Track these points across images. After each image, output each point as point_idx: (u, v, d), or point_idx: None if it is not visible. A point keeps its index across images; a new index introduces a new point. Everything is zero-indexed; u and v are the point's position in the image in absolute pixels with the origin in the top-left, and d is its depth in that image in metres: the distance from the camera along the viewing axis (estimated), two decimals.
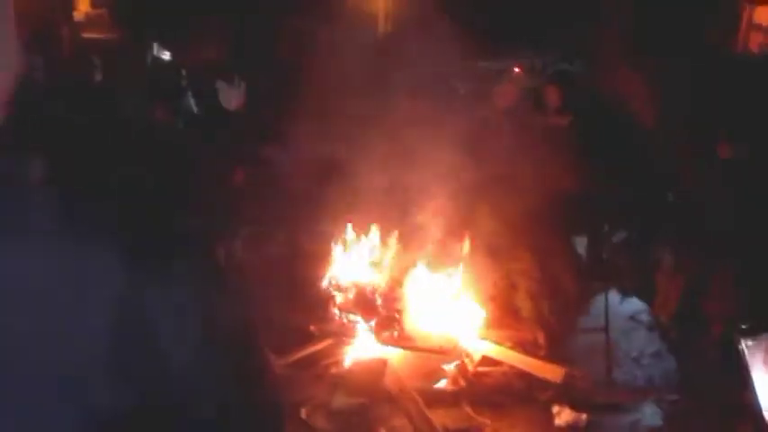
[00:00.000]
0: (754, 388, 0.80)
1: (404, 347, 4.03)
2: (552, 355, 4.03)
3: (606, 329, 3.96)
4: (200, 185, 3.75)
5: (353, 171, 4.05)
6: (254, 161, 4.74)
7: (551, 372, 3.79)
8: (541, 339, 4.12)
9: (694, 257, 4.00)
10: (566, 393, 3.69)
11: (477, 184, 4.10)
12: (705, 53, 4.20)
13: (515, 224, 4.21)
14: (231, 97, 4.86)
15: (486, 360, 3.95)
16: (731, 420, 3.24)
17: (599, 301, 4.26)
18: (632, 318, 4.21)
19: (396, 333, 4.12)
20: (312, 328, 4.13)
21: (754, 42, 5.44)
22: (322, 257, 4.35)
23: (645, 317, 4.15)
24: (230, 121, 4.86)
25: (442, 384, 3.83)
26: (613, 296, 4.28)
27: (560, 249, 4.30)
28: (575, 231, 4.59)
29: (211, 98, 4.90)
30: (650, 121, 4.22)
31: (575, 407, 3.55)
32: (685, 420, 3.39)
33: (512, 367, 3.89)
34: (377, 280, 4.28)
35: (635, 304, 4.25)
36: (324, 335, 4.11)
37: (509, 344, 4.09)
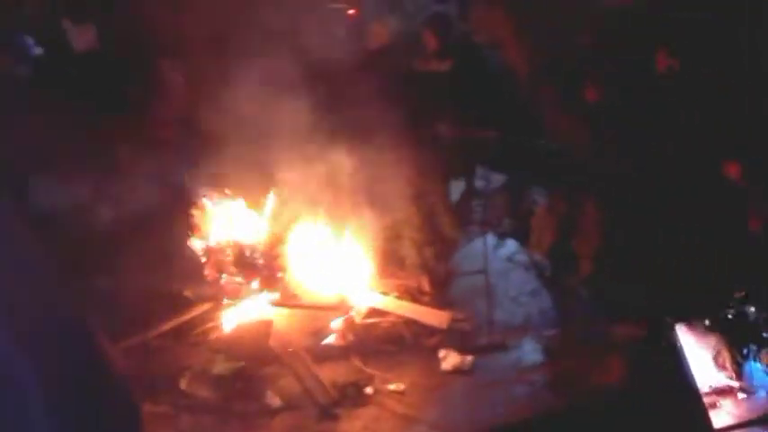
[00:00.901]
0: (688, 365, 0.82)
1: (289, 306, 3.92)
2: (437, 301, 4.10)
3: (485, 272, 4.06)
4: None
5: (217, 125, 3.78)
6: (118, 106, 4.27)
7: (437, 318, 3.85)
8: (426, 286, 4.17)
9: (564, 199, 4.17)
10: (451, 338, 3.77)
11: (353, 132, 3.97)
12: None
13: (394, 172, 4.17)
14: (80, 37, 4.30)
15: (373, 311, 3.94)
16: (602, 352, 3.46)
17: (478, 244, 4.36)
18: (509, 259, 4.35)
19: (280, 292, 4.00)
20: (187, 293, 3.90)
21: None
22: (192, 217, 4.08)
23: (521, 257, 4.30)
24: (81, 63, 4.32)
25: (331, 340, 3.78)
26: (491, 239, 4.39)
27: (439, 196, 4.32)
28: (452, 177, 4.63)
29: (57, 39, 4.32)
30: (522, 66, 4.28)
31: (460, 350, 3.63)
32: (563, 353, 3.57)
33: (399, 316, 3.91)
34: (256, 238, 4.10)
35: (512, 246, 4.38)
36: (201, 299, 3.90)
37: (396, 293, 4.11)
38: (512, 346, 3.70)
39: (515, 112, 4.51)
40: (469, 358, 3.57)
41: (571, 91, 4.08)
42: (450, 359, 3.58)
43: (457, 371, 3.53)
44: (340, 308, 3.90)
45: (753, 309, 2.09)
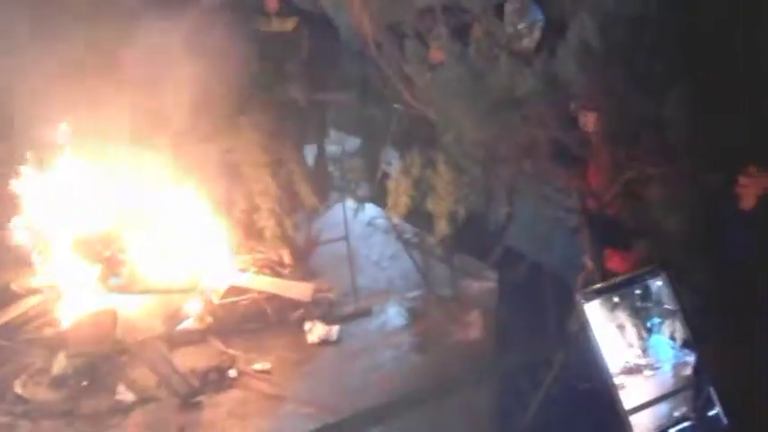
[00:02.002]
0: (595, 340, 0.78)
1: (136, 292, 3.60)
2: (299, 273, 3.98)
3: (347, 239, 4.00)
4: None
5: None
6: None
7: (300, 290, 3.73)
8: (287, 258, 4.03)
9: (419, 160, 4.17)
10: (316, 309, 3.68)
11: (195, 97, 3.66)
12: None
13: (246, 139, 3.95)
14: None
15: (232, 290, 3.73)
16: (462, 310, 3.56)
17: (337, 211, 4.28)
18: (370, 224, 4.32)
19: (125, 277, 3.65)
20: (13, 286, 3.45)
21: None
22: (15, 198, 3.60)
23: (381, 221, 4.29)
24: None
25: (187, 324, 3.53)
26: (350, 205, 4.32)
27: (296, 163, 4.16)
28: (306, 142, 4.48)
29: None
30: (367, 28, 4.17)
31: (326, 321, 3.56)
32: (426, 313, 3.63)
33: (261, 292, 3.74)
34: (92, 220, 3.70)
35: (371, 210, 4.35)
36: (30, 291, 3.47)
37: (255, 268, 3.93)
38: (377, 312, 3.70)
39: (365, 74, 4.42)
40: (336, 328, 3.51)
41: (418, 53, 4.03)
42: (316, 331, 3.50)
43: (324, 342, 3.46)
44: (195, 289, 3.65)
45: (657, 282, 2.09)
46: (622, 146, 2.48)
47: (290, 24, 4.38)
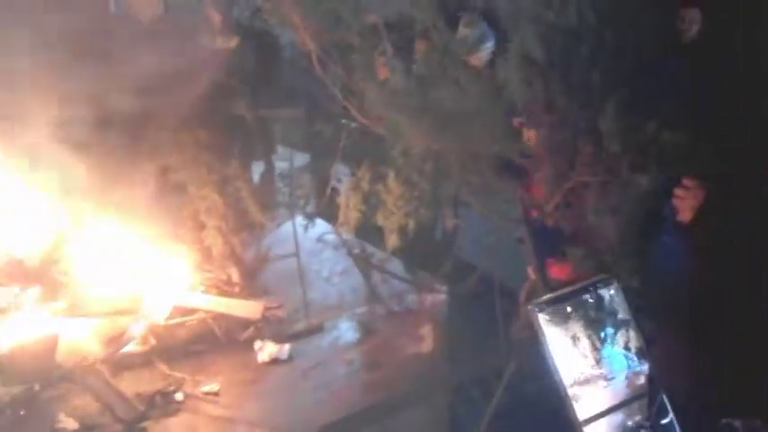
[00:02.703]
0: (548, 351, 0.77)
1: (77, 315, 3.46)
2: (249, 291, 3.91)
3: (297, 255, 3.97)
4: None
5: None
6: None
7: (249, 308, 3.67)
8: (236, 276, 3.96)
9: (368, 175, 4.18)
10: (267, 327, 3.63)
11: (138, 115, 3.59)
12: None
13: (191, 157, 3.87)
14: None
15: (179, 310, 3.64)
16: (413, 323, 3.57)
17: (287, 227, 4.24)
18: (320, 239, 4.30)
19: (66, 300, 3.51)
20: None
21: None
22: None
23: (331, 237, 4.27)
24: None
25: (131, 347, 3.42)
26: (300, 221, 4.30)
27: (243, 179, 4.10)
28: (253, 159, 4.44)
29: None
30: (311, 45, 4.17)
31: (276, 339, 3.51)
32: (377, 328, 3.61)
33: (208, 312, 3.66)
34: (28, 240, 3.56)
35: (321, 226, 4.32)
36: None
37: (203, 287, 3.84)
38: (328, 328, 3.66)
39: (313, 91, 4.42)
40: (287, 346, 3.46)
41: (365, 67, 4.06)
42: (266, 350, 3.44)
43: (275, 361, 3.41)
44: (138, 310, 3.54)
45: (610, 291, 2.10)
46: (563, 157, 2.55)
47: (234, 41, 4.34)
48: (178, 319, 3.60)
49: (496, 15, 3.10)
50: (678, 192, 1.84)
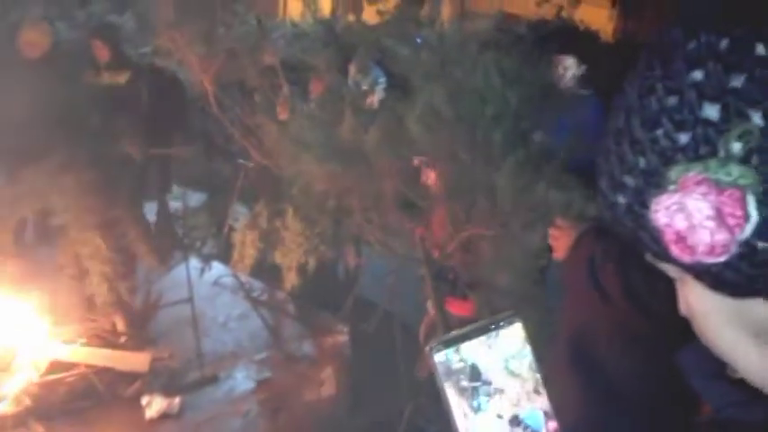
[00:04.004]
0: (444, 393, 0.71)
1: None
2: (136, 341, 3.66)
3: (191, 300, 3.77)
4: None
5: None
6: None
7: (136, 360, 3.43)
8: (121, 326, 3.70)
9: (266, 212, 4.08)
10: (157, 379, 3.40)
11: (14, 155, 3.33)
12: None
13: (72, 200, 3.63)
14: None
15: (57, 365, 3.34)
16: (314, 368, 3.46)
17: (180, 270, 4.04)
18: (216, 283, 4.11)
19: None
20: None
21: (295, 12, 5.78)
22: None
23: (228, 280, 4.10)
24: None
25: (3, 408, 3.10)
26: (195, 263, 4.10)
27: (131, 222, 3.88)
28: (144, 199, 4.23)
29: None
30: (209, 86, 4.08)
31: (166, 392, 3.28)
32: (275, 374, 3.47)
33: (90, 366, 3.38)
34: None
35: (218, 269, 4.15)
36: None
37: (83, 340, 3.56)
38: (223, 377, 3.48)
39: (209, 129, 4.30)
40: (177, 399, 3.25)
41: (264, 105, 4.01)
42: (154, 405, 3.21)
43: (164, 416, 3.18)
44: (10, 367, 3.22)
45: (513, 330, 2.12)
46: (459, 206, 2.58)
47: (123, 77, 4.16)
48: (56, 375, 3.31)
49: (391, 61, 3.14)
50: (552, 231, 1.89)
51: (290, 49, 4.61)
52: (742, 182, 0.45)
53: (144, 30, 4.91)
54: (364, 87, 3.43)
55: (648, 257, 0.55)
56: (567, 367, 1.83)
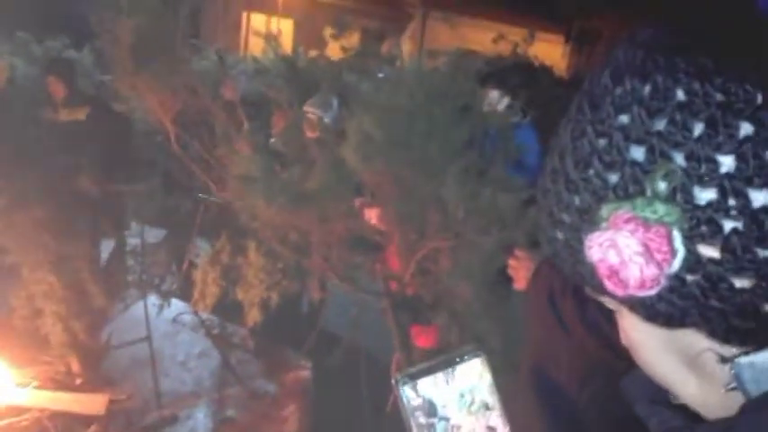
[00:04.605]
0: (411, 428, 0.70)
1: None
2: (92, 383, 3.54)
3: (149, 339, 3.68)
4: None
5: None
6: None
7: (91, 403, 3.31)
8: (75, 367, 3.58)
9: (227, 248, 4.04)
10: (112, 422, 3.28)
11: None
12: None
13: (29, 238, 3.53)
14: None
15: (8, 410, 3.20)
16: (277, 405, 3.39)
17: (138, 308, 3.94)
18: (175, 320, 4.03)
19: None
20: None
21: (257, 48, 5.83)
22: None
23: (188, 317, 4.02)
24: None
25: None
26: (154, 301, 4.02)
27: (86, 259, 3.79)
28: (100, 236, 4.14)
29: None
30: (168, 125, 4.06)
31: None
32: (238, 413, 3.40)
33: (43, 410, 3.25)
34: None
35: (177, 306, 4.07)
36: None
37: (36, 382, 3.42)
38: (183, 417, 3.38)
39: (168, 165, 4.26)
40: None
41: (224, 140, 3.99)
42: None
43: None
44: None
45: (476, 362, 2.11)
46: (412, 227, 2.61)
47: (81, 113, 4.11)
48: (8, 420, 3.17)
49: (353, 96, 3.19)
50: (511, 263, 1.92)
51: (251, 84, 4.64)
52: (667, 219, 0.47)
53: (102, 65, 4.88)
54: (326, 121, 3.46)
55: (588, 291, 0.58)
56: (531, 396, 1.85)
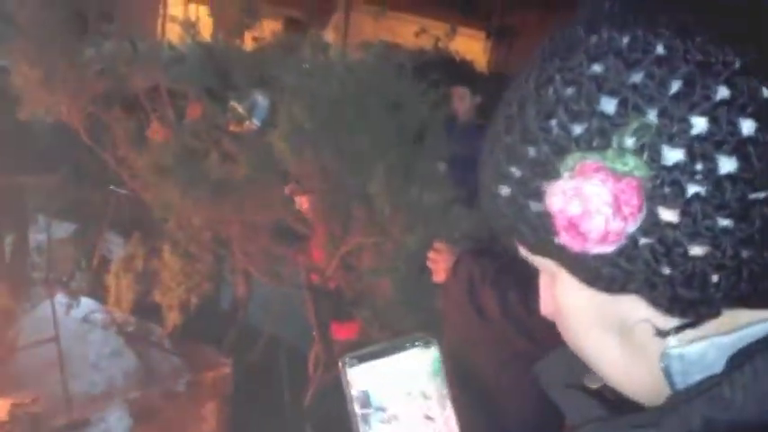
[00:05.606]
0: (354, 413, 0.67)
1: None
2: None
3: (57, 339, 3.49)
4: None
5: None
6: None
7: None
8: None
9: (143, 248, 3.89)
10: (17, 427, 3.09)
11: None
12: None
13: None
14: None
15: None
16: (195, 404, 3.31)
17: (45, 308, 3.73)
18: (85, 319, 3.84)
19: None
20: None
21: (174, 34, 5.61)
22: None
23: (98, 316, 3.84)
24: None
25: None
26: (61, 300, 3.81)
27: None
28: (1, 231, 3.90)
29: None
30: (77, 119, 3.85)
31: None
32: (153, 413, 3.29)
33: None
34: None
35: (88, 304, 3.88)
36: None
37: None
38: (95, 420, 3.23)
39: (80, 157, 4.05)
40: None
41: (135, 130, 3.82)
42: None
43: None
44: None
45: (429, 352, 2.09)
46: (337, 221, 2.59)
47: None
48: None
49: (275, 87, 3.13)
50: (431, 255, 1.95)
51: (166, 72, 4.46)
52: (637, 173, 0.45)
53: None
54: (241, 112, 3.37)
55: (523, 252, 0.55)
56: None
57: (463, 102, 3.36)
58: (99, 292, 3.92)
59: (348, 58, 3.52)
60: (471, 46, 7.60)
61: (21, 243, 4.06)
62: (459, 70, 3.63)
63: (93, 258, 4.05)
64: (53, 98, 3.39)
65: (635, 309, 0.50)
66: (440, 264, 1.90)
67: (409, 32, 6.35)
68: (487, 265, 1.79)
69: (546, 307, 0.58)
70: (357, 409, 0.69)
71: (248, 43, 4.12)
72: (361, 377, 0.69)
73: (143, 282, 3.58)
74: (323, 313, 3.04)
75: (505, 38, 8.37)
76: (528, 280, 1.83)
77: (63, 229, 4.46)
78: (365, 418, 0.69)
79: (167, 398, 3.37)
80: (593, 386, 0.57)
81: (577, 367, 0.58)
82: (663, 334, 0.49)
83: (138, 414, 3.26)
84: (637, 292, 0.48)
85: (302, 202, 2.60)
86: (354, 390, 0.69)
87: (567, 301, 0.54)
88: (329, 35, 8.33)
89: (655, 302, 0.48)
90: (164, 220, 3.25)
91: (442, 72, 3.41)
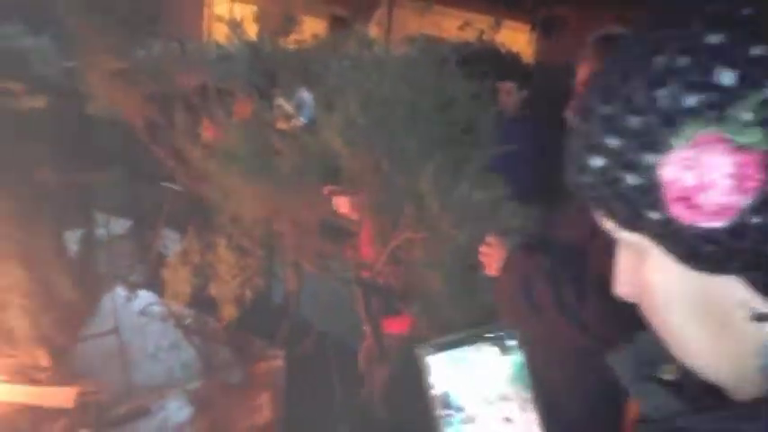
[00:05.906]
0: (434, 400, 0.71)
1: None
2: (60, 376, 3.49)
3: (117, 331, 3.64)
4: None
5: None
6: None
7: (61, 396, 3.27)
8: (44, 360, 3.52)
9: (198, 243, 4.01)
10: (82, 415, 3.25)
11: None
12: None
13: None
14: None
15: None
16: (250, 394, 3.40)
17: (106, 301, 3.89)
18: (144, 312, 3.99)
19: None
20: None
21: (220, 34, 5.74)
22: None
23: (156, 308, 3.98)
24: None
25: None
26: (121, 293, 3.97)
27: (52, 251, 3.73)
28: (64, 227, 4.07)
29: None
30: (136, 119, 3.98)
31: (95, 427, 3.15)
32: (211, 403, 3.40)
33: (11, 404, 3.20)
34: None
35: (146, 297, 4.02)
36: None
37: (3, 376, 3.37)
38: (156, 409, 3.36)
39: (135, 155, 4.19)
40: None
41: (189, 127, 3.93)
42: None
43: None
44: None
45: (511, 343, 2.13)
46: (387, 217, 2.63)
47: (40, 102, 4.00)
48: None
49: (321, 83, 3.18)
50: (483, 249, 1.95)
51: (214, 71, 4.56)
52: (761, 147, 0.43)
53: (62, 50, 4.75)
54: (288, 109, 3.43)
55: (612, 228, 0.53)
56: None
57: (510, 97, 3.35)
58: (156, 287, 4.06)
59: (391, 53, 3.54)
60: (516, 38, 7.52)
61: (86, 239, 4.22)
62: (505, 63, 3.61)
63: (151, 253, 4.19)
64: (115, 97, 3.52)
65: (732, 290, 0.47)
66: (492, 258, 1.91)
67: (453, 26, 6.32)
68: (541, 259, 1.80)
69: (624, 286, 0.55)
70: (438, 410, 0.69)
71: (293, 41, 4.19)
72: (439, 368, 0.70)
73: (199, 275, 3.69)
74: (373, 308, 3.08)
75: (551, 30, 8.25)
76: (582, 275, 1.82)
77: (119, 226, 4.62)
78: (446, 420, 0.69)
79: (223, 388, 3.48)
80: (669, 377, 0.56)
81: (653, 358, 0.56)
82: (762, 318, 0.47)
83: (197, 404, 3.37)
84: (737, 272, 0.46)
85: (339, 204, 2.64)
86: (435, 388, 0.69)
87: (657, 280, 0.51)
88: (372, 31, 8.37)
89: (756, 285, 0.46)
90: (219, 212, 3.34)
91: (488, 65, 3.41)
